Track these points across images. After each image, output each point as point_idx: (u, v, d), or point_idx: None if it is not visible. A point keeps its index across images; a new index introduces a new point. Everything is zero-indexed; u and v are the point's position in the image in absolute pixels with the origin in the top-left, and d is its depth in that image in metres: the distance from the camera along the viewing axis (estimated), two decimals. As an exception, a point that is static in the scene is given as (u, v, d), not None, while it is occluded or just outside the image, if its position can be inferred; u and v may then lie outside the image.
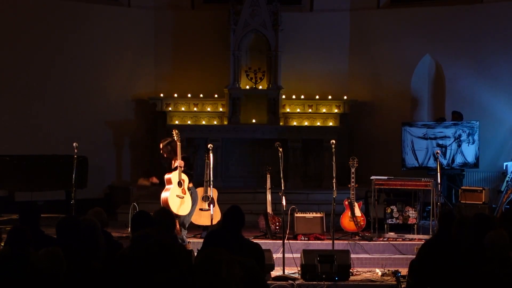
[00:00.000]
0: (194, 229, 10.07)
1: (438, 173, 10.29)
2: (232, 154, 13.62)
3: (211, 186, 9.60)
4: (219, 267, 3.96)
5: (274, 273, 8.56)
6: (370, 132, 13.99)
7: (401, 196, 10.55)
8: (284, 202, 9.05)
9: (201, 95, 13.90)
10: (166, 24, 14.34)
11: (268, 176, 10.33)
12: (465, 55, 13.42)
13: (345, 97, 13.89)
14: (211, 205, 9.52)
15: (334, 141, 9.74)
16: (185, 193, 9.39)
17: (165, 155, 9.75)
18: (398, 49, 13.89)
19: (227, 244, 4.98)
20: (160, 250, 4.44)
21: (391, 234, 10.21)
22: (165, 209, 6.33)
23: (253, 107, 13.69)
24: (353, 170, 10.27)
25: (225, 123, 13.62)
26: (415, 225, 10.25)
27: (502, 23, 13.21)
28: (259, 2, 13.53)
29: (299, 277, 8.66)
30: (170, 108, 13.78)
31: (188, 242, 9.41)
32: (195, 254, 6.36)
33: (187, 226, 9.60)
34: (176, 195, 9.36)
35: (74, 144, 9.95)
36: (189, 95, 13.88)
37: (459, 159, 12.44)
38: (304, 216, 10.07)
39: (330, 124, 13.76)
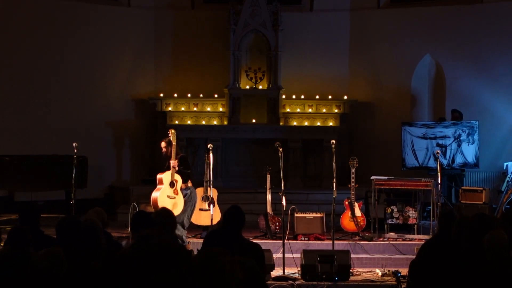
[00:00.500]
0: (194, 229, 10.07)
1: (438, 173, 10.29)
2: (232, 154, 13.62)
3: (211, 186, 9.60)
4: (222, 268, 3.95)
5: (274, 273, 8.55)
6: (370, 132, 13.99)
7: (401, 196, 10.55)
8: (284, 202, 9.04)
9: (201, 95, 13.90)
10: (166, 24, 14.34)
11: (268, 176, 10.33)
12: (465, 55, 13.42)
13: (345, 97, 13.89)
14: (211, 205, 9.52)
15: (334, 141, 9.74)
16: (177, 194, 9.36)
17: (167, 154, 9.67)
18: (398, 49, 13.90)
19: (227, 244, 4.98)
20: (161, 250, 4.43)
21: (391, 234, 10.20)
22: (166, 209, 6.32)
23: (253, 107, 13.68)
24: (353, 170, 10.27)
25: (225, 123, 13.62)
26: (415, 225, 10.24)
27: (502, 23, 13.21)
28: (259, 2, 13.53)
29: (299, 277, 8.65)
30: (170, 108, 13.78)
31: (188, 242, 9.41)
32: (195, 254, 6.35)
33: (186, 226, 9.59)
34: (167, 196, 9.33)
35: (74, 144, 9.96)
36: (189, 95, 13.88)
37: (459, 159, 12.44)
38: (304, 216, 10.07)
39: (330, 124, 13.76)
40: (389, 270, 8.88)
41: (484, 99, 13.16)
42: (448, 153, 12.44)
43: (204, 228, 9.94)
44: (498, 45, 13.21)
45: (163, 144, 9.68)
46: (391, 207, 10.35)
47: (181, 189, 9.48)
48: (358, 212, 10.21)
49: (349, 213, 10.21)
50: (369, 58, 14.15)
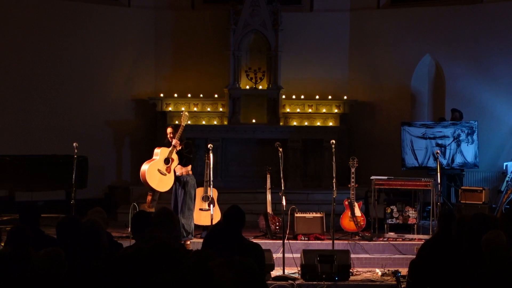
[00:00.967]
0: (194, 229, 10.06)
1: (438, 173, 10.29)
2: (232, 154, 13.62)
3: (211, 186, 9.61)
4: (209, 273, 3.92)
5: (274, 273, 8.56)
6: (370, 132, 13.99)
7: (401, 196, 10.56)
8: (284, 202, 9.05)
9: (201, 95, 13.90)
10: (166, 24, 14.34)
11: (268, 176, 10.34)
12: (465, 55, 13.42)
13: (345, 97, 13.90)
14: (211, 205, 9.52)
15: (334, 141, 9.75)
16: (169, 172, 9.35)
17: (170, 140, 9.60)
18: (398, 49, 13.90)
19: (227, 243, 4.98)
20: (162, 251, 4.43)
21: (391, 234, 10.21)
22: (166, 209, 6.31)
23: (253, 107, 13.69)
24: (353, 170, 10.27)
25: (225, 123, 13.63)
26: (415, 225, 10.25)
27: (502, 23, 13.21)
28: (259, 2, 13.54)
29: (299, 277, 8.66)
30: (170, 108, 13.79)
31: (189, 242, 9.41)
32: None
33: (192, 228, 9.52)
34: (158, 169, 9.33)
35: (74, 144, 9.96)
36: (189, 95, 13.89)
37: (458, 159, 12.44)
38: (304, 216, 10.07)
39: (330, 124, 13.76)
40: (389, 270, 8.89)
41: (484, 99, 13.16)
42: (448, 153, 12.44)
43: (204, 228, 9.94)
44: (498, 45, 13.21)
45: (169, 129, 9.63)
46: (391, 207, 10.36)
47: (182, 175, 9.46)
48: (358, 212, 10.21)
49: (349, 213, 10.21)
50: (369, 58, 14.15)
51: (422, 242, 6.99)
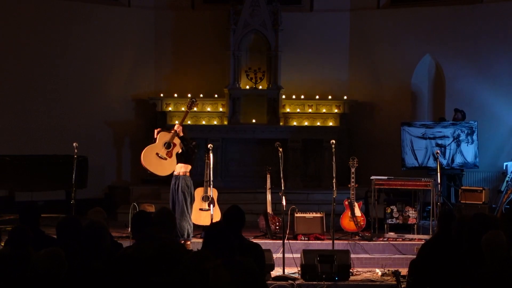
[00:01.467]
0: (194, 229, 10.04)
1: (438, 173, 10.29)
2: (232, 154, 13.62)
3: (211, 186, 9.60)
4: (205, 276, 3.91)
5: (274, 273, 8.56)
6: (370, 132, 13.98)
7: (401, 196, 10.56)
8: (284, 202, 9.04)
9: (201, 95, 13.89)
10: (166, 24, 14.34)
11: (268, 176, 10.34)
12: (465, 55, 13.42)
13: (345, 97, 13.90)
14: (211, 205, 9.51)
15: (334, 141, 9.75)
16: (170, 157, 9.20)
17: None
18: (398, 49, 13.90)
19: (227, 243, 4.98)
20: (163, 251, 4.43)
21: (391, 234, 10.21)
22: (166, 209, 6.31)
23: (253, 107, 13.69)
24: (353, 170, 10.27)
25: (225, 123, 13.63)
26: (415, 225, 10.25)
27: (502, 23, 13.21)
28: (259, 2, 13.53)
29: (299, 277, 8.66)
30: (170, 108, 13.79)
31: (189, 241, 9.40)
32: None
33: (190, 232, 9.49)
34: (156, 153, 9.22)
35: (74, 144, 9.95)
36: (189, 95, 13.87)
37: (458, 159, 12.44)
38: (304, 216, 10.07)
39: (330, 124, 13.76)
40: (389, 270, 8.89)
41: (484, 99, 13.15)
42: (448, 153, 12.44)
43: (204, 228, 9.92)
44: (498, 45, 13.21)
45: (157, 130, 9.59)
46: (391, 207, 10.36)
47: (178, 175, 9.42)
48: (358, 212, 10.21)
49: (349, 213, 10.21)
50: (369, 58, 14.15)
51: (422, 242, 7.01)
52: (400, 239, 9.99)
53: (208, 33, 14.12)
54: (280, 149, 9.46)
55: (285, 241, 8.98)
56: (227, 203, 8.25)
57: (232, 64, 13.59)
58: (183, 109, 13.78)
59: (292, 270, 8.94)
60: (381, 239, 10.04)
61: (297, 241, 9.77)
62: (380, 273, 8.92)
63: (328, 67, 14.12)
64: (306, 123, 13.79)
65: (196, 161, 12.79)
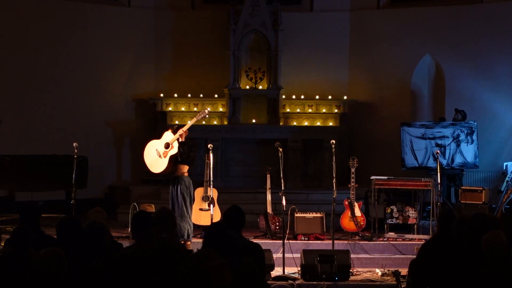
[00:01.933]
0: (194, 229, 10.04)
1: (438, 173, 10.29)
2: (232, 154, 13.62)
3: (211, 186, 9.60)
4: (209, 274, 3.89)
5: (274, 273, 8.56)
6: (370, 132, 13.98)
7: (401, 196, 10.56)
8: (284, 202, 9.05)
9: (201, 95, 13.90)
10: (166, 24, 14.34)
11: (268, 176, 10.34)
12: (465, 55, 13.42)
13: (345, 97, 13.90)
14: (211, 205, 9.52)
15: (334, 141, 9.75)
16: (165, 157, 9.39)
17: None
18: (398, 49, 13.89)
19: (228, 243, 4.98)
20: (163, 251, 4.43)
21: (391, 234, 10.21)
22: (166, 209, 6.32)
23: (253, 107, 13.69)
24: (353, 170, 10.27)
25: (225, 123, 13.63)
26: (415, 225, 10.25)
27: (502, 23, 13.20)
28: (259, 2, 13.54)
29: (299, 277, 8.67)
30: (170, 108, 13.79)
31: (189, 241, 9.40)
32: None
33: (190, 232, 9.49)
34: (156, 149, 9.48)
35: (74, 144, 9.96)
36: (189, 95, 13.89)
37: (458, 159, 12.44)
38: (304, 216, 10.07)
39: (330, 124, 13.76)
40: (389, 270, 8.89)
41: (484, 99, 13.16)
42: (447, 153, 12.44)
43: (204, 228, 9.93)
44: (498, 45, 13.21)
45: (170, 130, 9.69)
46: (391, 207, 10.36)
47: (176, 175, 9.45)
48: (358, 212, 10.21)
49: (349, 213, 10.21)
50: (369, 58, 14.15)
51: (422, 242, 7.01)
52: (400, 239, 9.99)
53: (208, 33, 14.12)
54: (280, 149, 9.46)
55: (285, 241, 8.98)
56: (227, 203, 8.25)
57: (232, 64, 13.59)
58: (183, 109, 13.82)
59: (292, 270, 8.94)
60: (381, 239, 10.04)
61: (297, 241, 9.77)
62: (380, 273, 8.92)
63: (328, 67, 14.12)
64: (306, 123, 13.79)
65: (196, 161, 12.80)
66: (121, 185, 13.51)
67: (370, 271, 9.10)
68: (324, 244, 9.70)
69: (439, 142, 12.49)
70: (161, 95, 13.87)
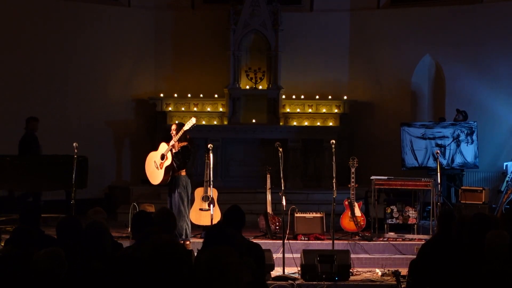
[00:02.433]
0: (194, 229, 10.06)
1: (438, 173, 10.29)
2: (232, 154, 13.62)
3: (211, 186, 9.60)
4: (226, 270, 3.87)
5: (274, 273, 8.56)
6: (370, 132, 13.99)
7: (401, 196, 10.55)
8: (284, 202, 9.04)
9: (201, 95, 13.90)
10: (166, 24, 14.35)
11: (268, 176, 10.34)
12: (465, 55, 13.43)
13: (345, 97, 13.90)
14: (211, 205, 9.51)
15: (334, 141, 9.74)
16: (161, 168, 9.42)
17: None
18: (398, 49, 13.90)
19: (227, 243, 4.98)
20: (163, 251, 4.42)
21: (391, 234, 10.21)
22: (166, 209, 6.33)
23: (253, 107, 13.69)
24: (353, 170, 10.27)
25: (225, 123, 13.63)
26: (415, 225, 10.25)
27: (502, 23, 13.21)
28: (259, 2, 13.54)
29: (299, 277, 8.66)
30: (170, 108, 13.79)
31: (189, 241, 9.40)
32: (195, 254, 6.37)
33: (189, 232, 9.48)
34: (154, 161, 9.53)
35: (74, 144, 9.95)
36: (189, 95, 13.89)
37: (458, 159, 12.45)
38: (304, 216, 10.07)
39: (330, 124, 13.76)
40: (389, 270, 8.88)
41: (484, 99, 13.16)
42: (447, 153, 12.45)
43: (204, 228, 9.93)
44: (498, 45, 13.22)
45: (173, 126, 9.69)
46: (391, 207, 10.36)
47: (175, 176, 9.45)
48: (358, 212, 10.21)
49: (349, 213, 10.21)
50: (369, 58, 14.15)
51: (422, 242, 7.01)
52: (400, 239, 9.99)
53: (208, 33, 14.12)
54: (280, 149, 9.46)
55: (285, 241, 8.98)
56: (227, 203, 8.25)
57: (232, 64, 13.59)
58: (183, 109, 13.81)
59: (292, 270, 8.93)
60: (381, 239, 10.04)
61: (297, 241, 9.77)
62: (380, 273, 8.92)
63: (328, 67, 14.12)
64: (306, 123, 13.79)
65: (196, 161, 12.84)
66: (121, 185, 13.51)
67: (370, 271, 9.09)
68: (324, 244, 9.70)
69: (439, 142, 12.49)
70: (161, 95, 13.88)
